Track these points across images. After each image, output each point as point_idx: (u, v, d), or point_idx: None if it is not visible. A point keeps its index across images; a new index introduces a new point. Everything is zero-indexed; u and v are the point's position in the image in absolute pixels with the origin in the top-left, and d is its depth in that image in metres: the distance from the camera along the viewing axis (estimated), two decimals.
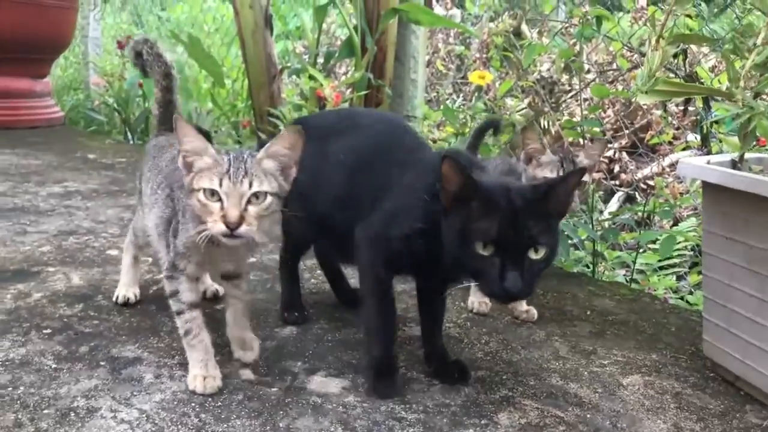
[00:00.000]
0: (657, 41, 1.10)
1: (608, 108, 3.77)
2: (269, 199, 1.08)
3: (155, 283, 1.65)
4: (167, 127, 1.50)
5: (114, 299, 1.50)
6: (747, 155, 1.38)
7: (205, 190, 1.06)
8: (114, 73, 4.32)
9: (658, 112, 3.48)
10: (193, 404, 1.11)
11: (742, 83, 1.04)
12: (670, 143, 3.67)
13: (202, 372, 1.16)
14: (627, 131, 3.75)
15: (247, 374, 1.22)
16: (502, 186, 1.03)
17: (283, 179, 1.11)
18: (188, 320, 1.19)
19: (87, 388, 1.14)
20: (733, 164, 1.33)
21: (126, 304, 1.50)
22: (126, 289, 1.52)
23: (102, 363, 1.24)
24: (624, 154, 3.84)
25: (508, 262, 0.98)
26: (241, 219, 1.04)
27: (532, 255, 0.99)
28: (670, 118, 3.54)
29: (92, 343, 1.31)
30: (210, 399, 1.13)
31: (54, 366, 1.21)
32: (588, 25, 1.89)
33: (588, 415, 1.15)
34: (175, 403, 1.11)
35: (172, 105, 1.54)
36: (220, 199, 1.05)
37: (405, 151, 1.24)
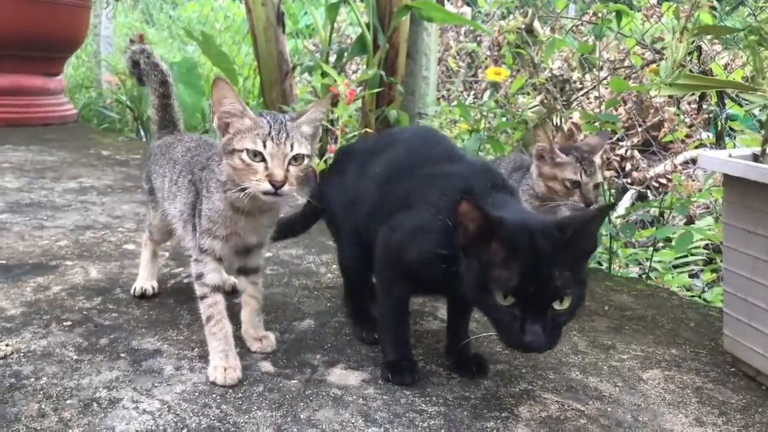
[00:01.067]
0: (681, 33, 1.09)
1: (620, 106, 3.76)
2: (306, 161, 1.13)
3: (173, 277, 1.65)
4: (168, 131, 1.57)
5: (132, 292, 1.52)
6: None
7: (248, 150, 1.09)
8: (126, 71, 4.34)
9: (672, 110, 3.46)
10: (214, 395, 1.11)
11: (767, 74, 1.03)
12: (682, 141, 3.65)
13: (222, 363, 1.17)
14: (639, 129, 3.73)
15: (266, 367, 1.23)
16: (526, 226, 0.95)
17: (311, 144, 1.17)
18: (211, 305, 1.22)
19: (108, 379, 1.15)
20: (755, 158, 1.32)
21: (143, 296, 1.51)
22: (144, 282, 1.53)
23: (122, 355, 1.24)
24: (636, 152, 3.82)
25: (530, 315, 0.92)
26: (285, 179, 1.08)
27: (557, 306, 0.93)
28: (683, 116, 3.53)
29: (112, 336, 1.32)
30: (231, 390, 1.13)
31: (75, 357, 1.22)
32: (607, 20, 1.87)
33: (609, 409, 1.14)
34: (196, 394, 1.12)
35: (171, 109, 1.58)
36: (263, 159, 1.09)
37: (435, 161, 1.22)
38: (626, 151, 3.94)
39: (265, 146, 1.09)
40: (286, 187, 1.09)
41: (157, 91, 1.56)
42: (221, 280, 1.24)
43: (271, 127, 1.10)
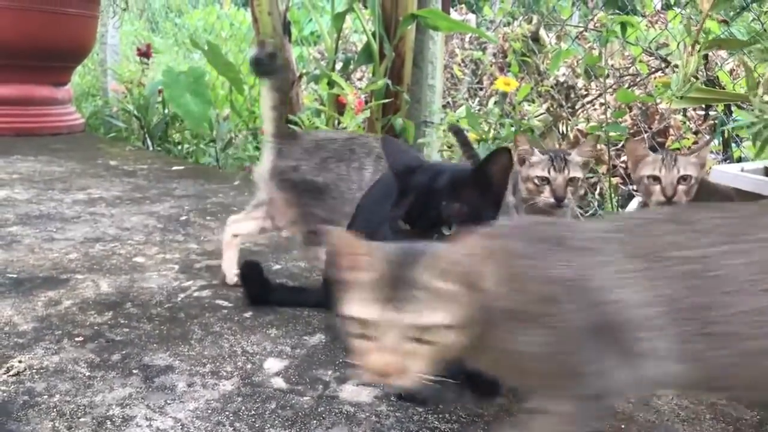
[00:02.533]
0: (692, 46, 1.09)
1: (626, 112, 3.75)
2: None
3: (183, 291, 1.66)
4: (289, 135, 1.65)
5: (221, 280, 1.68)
6: None
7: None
8: (133, 79, 4.36)
9: (678, 117, 3.46)
10: (227, 413, 1.12)
11: (760, 91, 1.03)
12: (689, 148, 3.64)
13: None
14: (645, 135, 3.73)
15: (279, 383, 1.23)
16: (433, 166, 1.12)
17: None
18: None
19: (121, 396, 1.15)
20: (766, 171, 1.32)
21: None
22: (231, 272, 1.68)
23: (134, 371, 1.24)
24: None
25: (421, 238, 1.00)
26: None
27: (446, 231, 1.03)
28: (688, 123, 3.52)
29: (124, 351, 1.32)
30: (243, 408, 1.14)
31: (88, 374, 1.22)
32: (612, 31, 1.88)
33: (623, 426, 1.14)
34: (209, 411, 1.12)
35: (285, 113, 1.67)
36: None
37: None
38: None
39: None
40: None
41: (281, 91, 1.60)
42: None
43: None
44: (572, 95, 3.90)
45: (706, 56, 2.88)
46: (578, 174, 1.55)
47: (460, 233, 0.87)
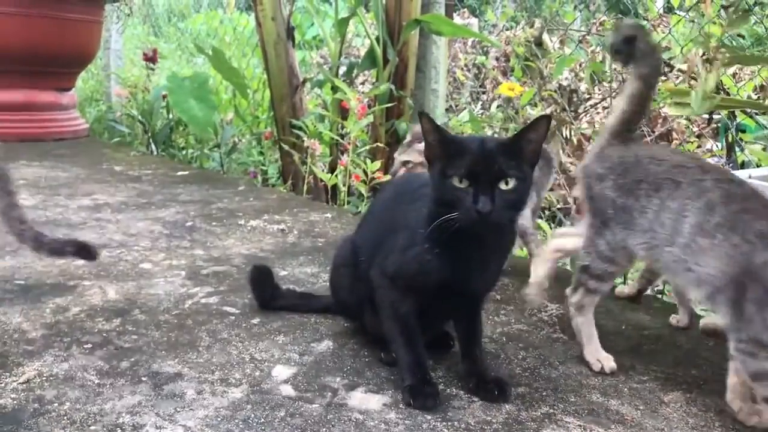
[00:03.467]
0: (711, 62, 1.09)
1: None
2: None
3: (190, 297, 1.66)
4: (631, 138, 1.36)
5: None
6: None
7: None
8: (137, 84, 4.38)
9: (682, 121, 3.46)
10: (236, 420, 1.12)
11: None
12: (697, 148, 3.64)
13: None
14: (648, 138, 3.74)
15: (287, 390, 1.23)
16: (476, 136, 1.23)
17: None
18: None
19: (131, 404, 1.16)
20: None
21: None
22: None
23: (144, 378, 1.25)
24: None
25: (480, 191, 1.09)
26: None
27: (503, 186, 1.10)
28: (692, 126, 3.52)
29: (132, 358, 1.33)
30: (252, 415, 1.14)
31: (97, 381, 1.23)
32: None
33: None
34: (219, 419, 1.12)
35: (646, 109, 1.39)
36: None
37: (417, 190, 1.29)
38: None
39: None
40: None
41: (645, 81, 1.34)
42: None
43: None
44: (575, 99, 3.91)
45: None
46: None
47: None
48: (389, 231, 1.28)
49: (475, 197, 1.09)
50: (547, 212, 3.54)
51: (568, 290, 1.41)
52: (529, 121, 2.65)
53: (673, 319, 1.64)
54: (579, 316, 1.39)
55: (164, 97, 3.84)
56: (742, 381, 1.17)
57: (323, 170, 3.20)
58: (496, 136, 2.48)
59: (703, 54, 1.13)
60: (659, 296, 2.00)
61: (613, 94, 3.40)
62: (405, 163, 1.93)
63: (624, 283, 1.92)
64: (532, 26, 4.18)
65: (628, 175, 1.29)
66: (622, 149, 1.33)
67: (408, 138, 2.02)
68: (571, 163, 4.04)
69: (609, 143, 1.36)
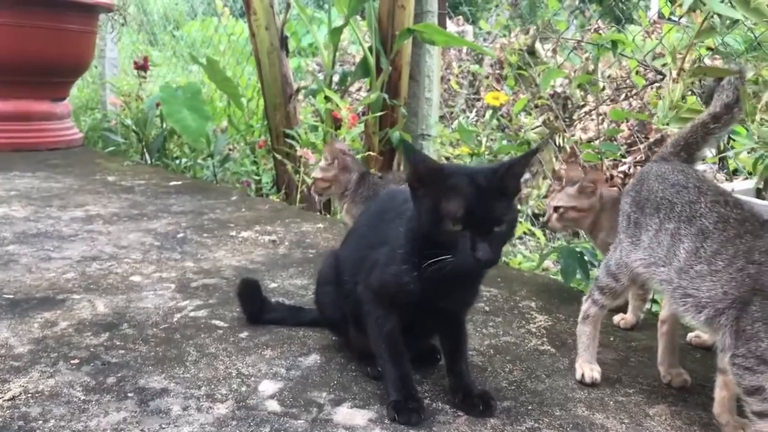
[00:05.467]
0: (678, 73, 1.11)
1: (623, 122, 3.77)
2: None
3: (179, 311, 1.66)
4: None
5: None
6: None
7: None
8: (131, 93, 4.38)
9: (675, 129, 3.47)
10: None
11: (758, 117, 1.04)
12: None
13: None
14: (641, 146, 3.76)
15: (273, 406, 1.23)
16: (464, 168, 1.17)
17: None
18: None
19: (116, 420, 1.16)
20: (758, 192, 1.33)
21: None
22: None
23: (130, 394, 1.25)
24: (639, 168, 3.83)
25: (478, 236, 1.08)
26: None
27: (497, 228, 1.10)
28: None
29: (119, 374, 1.33)
30: None
31: (83, 398, 1.23)
32: (605, 48, 1.89)
33: None
34: None
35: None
36: None
37: (400, 206, 1.29)
38: (629, 167, 3.95)
39: None
40: None
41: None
42: None
43: None
44: (569, 106, 3.93)
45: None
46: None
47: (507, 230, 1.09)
48: (373, 247, 1.29)
49: (473, 243, 1.07)
50: (541, 219, 3.56)
51: (583, 298, 1.43)
52: (523, 130, 2.65)
53: (620, 319, 1.67)
54: (582, 325, 1.40)
55: (158, 105, 3.85)
56: (731, 395, 1.18)
57: None
58: (485, 161, 2.49)
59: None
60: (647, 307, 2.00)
61: (607, 101, 3.42)
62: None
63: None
64: (527, 33, 4.20)
65: (642, 191, 1.29)
66: (653, 165, 1.33)
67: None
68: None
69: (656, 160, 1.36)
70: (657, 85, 3.27)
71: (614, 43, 1.88)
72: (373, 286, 1.25)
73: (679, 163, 1.27)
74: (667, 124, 1.10)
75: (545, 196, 3.76)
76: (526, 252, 3.01)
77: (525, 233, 3.21)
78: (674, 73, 1.10)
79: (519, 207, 3.07)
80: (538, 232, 2.99)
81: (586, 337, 1.39)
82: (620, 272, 1.30)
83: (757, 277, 1.04)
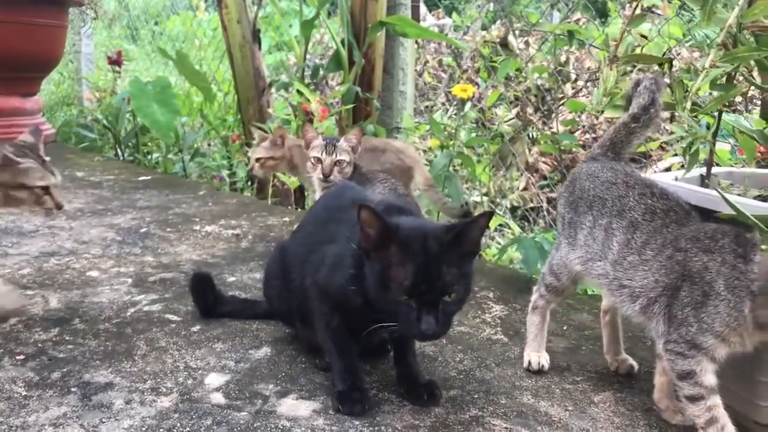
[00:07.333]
0: (612, 61, 1.11)
1: (577, 122, 3.78)
2: None
3: (133, 305, 1.65)
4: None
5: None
6: (716, 170, 1.38)
7: None
8: (106, 88, 4.34)
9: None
10: (161, 430, 1.11)
11: (687, 105, 1.05)
12: (662, 148, 3.68)
13: None
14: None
15: (217, 398, 1.23)
16: (417, 230, 1.08)
17: None
18: (712, 407, 1.04)
19: (56, 415, 1.15)
20: (702, 179, 1.34)
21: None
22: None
23: (73, 389, 1.24)
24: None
25: (424, 307, 1.05)
26: None
27: (446, 298, 1.06)
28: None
29: (65, 369, 1.31)
30: (178, 425, 1.13)
31: (24, 393, 1.22)
32: (561, 40, 1.90)
33: None
34: (144, 429, 1.12)
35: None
36: None
37: (347, 205, 1.29)
38: None
39: None
40: None
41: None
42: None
43: None
44: (549, 99, 3.93)
45: (671, 62, 2.91)
46: (344, 157, 1.88)
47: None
48: (320, 243, 1.28)
49: (418, 314, 1.04)
50: (518, 212, 3.57)
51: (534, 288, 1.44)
52: (497, 123, 2.65)
53: None
54: (531, 315, 1.41)
55: (128, 101, 3.81)
56: (669, 380, 1.19)
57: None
58: (454, 153, 2.48)
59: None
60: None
61: (581, 90, 3.43)
62: (258, 160, 2.21)
63: None
64: (505, 26, 4.20)
65: (575, 191, 1.32)
66: (583, 165, 1.36)
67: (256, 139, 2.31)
68: (545, 163, 4.07)
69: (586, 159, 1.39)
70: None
71: (571, 34, 1.88)
72: (320, 285, 1.24)
73: (608, 161, 1.31)
74: (602, 112, 1.10)
75: (524, 189, 3.77)
76: (502, 243, 3.02)
77: (501, 225, 3.22)
78: (608, 61, 1.11)
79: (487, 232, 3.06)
80: (514, 225, 3.00)
81: (535, 327, 1.39)
82: (561, 272, 1.33)
83: (684, 264, 1.06)
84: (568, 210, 1.32)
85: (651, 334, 1.14)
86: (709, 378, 1.04)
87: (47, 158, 1.59)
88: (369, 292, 1.10)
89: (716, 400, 1.04)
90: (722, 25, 1.02)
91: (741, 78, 1.15)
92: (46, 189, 1.51)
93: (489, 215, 1.10)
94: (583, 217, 1.26)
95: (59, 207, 1.54)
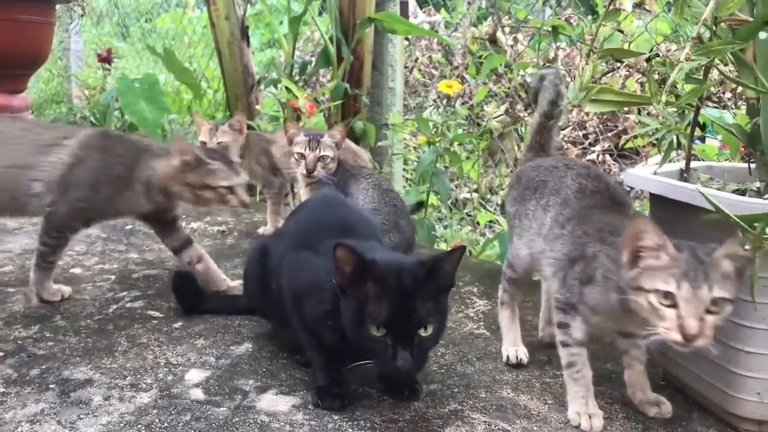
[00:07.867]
0: (588, 55, 1.12)
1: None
2: (728, 307, 0.98)
3: (116, 302, 1.64)
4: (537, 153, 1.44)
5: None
6: (696, 164, 1.39)
7: (658, 291, 0.98)
8: (96, 86, 4.31)
9: (633, 117, 3.50)
10: (139, 426, 1.11)
11: (663, 97, 1.05)
12: (653, 144, 3.70)
13: (584, 409, 1.16)
14: (610, 134, 3.81)
15: (197, 394, 1.22)
16: (393, 266, 1.09)
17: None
18: (574, 354, 1.19)
19: (33, 412, 1.14)
20: (681, 173, 1.34)
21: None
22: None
23: (51, 386, 1.23)
24: (608, 156, 3.88)
25: (399, 342, 1.05)
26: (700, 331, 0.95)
27: (422, 333, 1.06)
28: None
29: (44, 366, 1.31)
30: (157, 420, 1.13)
31: (2, 390, 1.21)
32: (544, 36, 1.90)
33: (535, 428, 1.15)
34: (122, 425, 1.11)
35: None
36: (675, 305, 0.97)
37: (332, 215, 1.31)
38: (598, 155, 3.99)
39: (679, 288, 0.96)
40: (699, 341, 0.95)
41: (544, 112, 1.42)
42: (586, 338, 1.20)
43: (687, 264, 0.97)
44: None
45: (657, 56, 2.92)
46: (328, 153, 1.88)
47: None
48: (301, 247, 1.27)
49: (394, 351, 1.04)
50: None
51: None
52: (486, 119, 2.65)
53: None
54: (500, 310, 1.45)
55: (116, 98, 3.79)
56: (639, 374, 1.24)
57: None
58: (440, 149, 2.48)
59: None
60: None
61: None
62: (219, 143, 2.20)
63: None
64: (495, 22, 4.20)
65: (521, 184, 1.38)
66: (523, 165, 1.45)
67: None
68: None
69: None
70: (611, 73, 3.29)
71: (554, 29, 1.89)
72: (298, 318, 1.23)
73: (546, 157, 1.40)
74: (578, 106, 1.11)
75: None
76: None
77: (491, 222, 3.23)
78: (584, 55, 1.11)
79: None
80: (503, 221, 3.01)
81: (507, 321, 1.42)
82: (515, 263, 1.38)
83: (584, 246, 1.16)
84: (515, 205, 1.39)
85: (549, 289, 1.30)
86: (578, 333, 1.18)
87: (236, 160, 1.67)
88: (345, 329, 1.10)
89: (580, 351, 1.18)
90: (698, 19, 1.02)
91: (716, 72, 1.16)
92: (230, 189, 1.59)
93: (461, 249, 1.09)
94: (528, 203, 1.34)
95: (245, 205, 1.63)
